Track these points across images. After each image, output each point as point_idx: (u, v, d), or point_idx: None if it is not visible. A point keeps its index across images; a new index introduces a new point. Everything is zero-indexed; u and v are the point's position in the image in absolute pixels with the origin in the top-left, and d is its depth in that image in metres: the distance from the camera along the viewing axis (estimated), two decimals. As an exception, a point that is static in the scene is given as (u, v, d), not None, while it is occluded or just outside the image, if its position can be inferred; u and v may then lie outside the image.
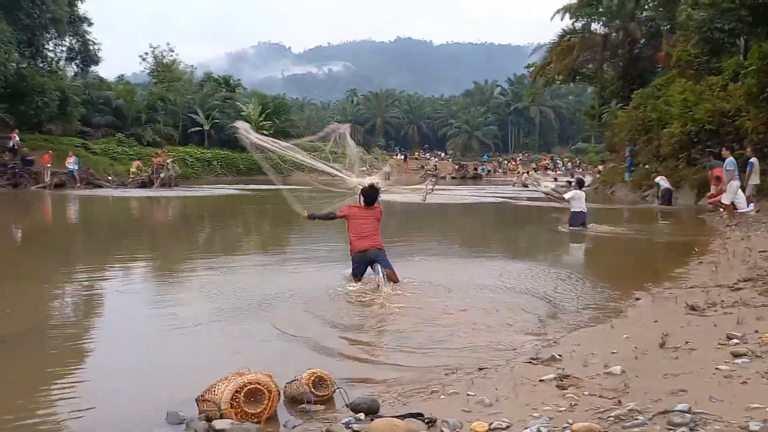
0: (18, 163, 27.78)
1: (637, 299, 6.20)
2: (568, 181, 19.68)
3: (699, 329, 4.69)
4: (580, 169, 61.22)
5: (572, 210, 12.74)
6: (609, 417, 3.13)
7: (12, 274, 7.74)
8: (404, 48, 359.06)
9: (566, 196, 12.91)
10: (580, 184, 13.56)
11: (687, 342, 4.31)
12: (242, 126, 7.32)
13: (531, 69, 43.97)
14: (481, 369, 4.05)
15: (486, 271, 8.00)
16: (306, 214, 7.58)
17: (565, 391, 3.56)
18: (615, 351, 4.30)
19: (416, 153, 72.24)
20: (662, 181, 19.94)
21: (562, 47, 35.28)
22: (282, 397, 3.48)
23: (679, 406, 3.09)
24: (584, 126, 59.57)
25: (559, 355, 4.23)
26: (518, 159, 70.45)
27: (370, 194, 7.58)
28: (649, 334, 4.58)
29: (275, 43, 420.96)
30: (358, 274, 7.19)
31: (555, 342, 4.69)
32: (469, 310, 5.81)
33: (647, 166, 23.85)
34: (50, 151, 29.35)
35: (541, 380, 3.75)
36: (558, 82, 44.57)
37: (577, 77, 39.22)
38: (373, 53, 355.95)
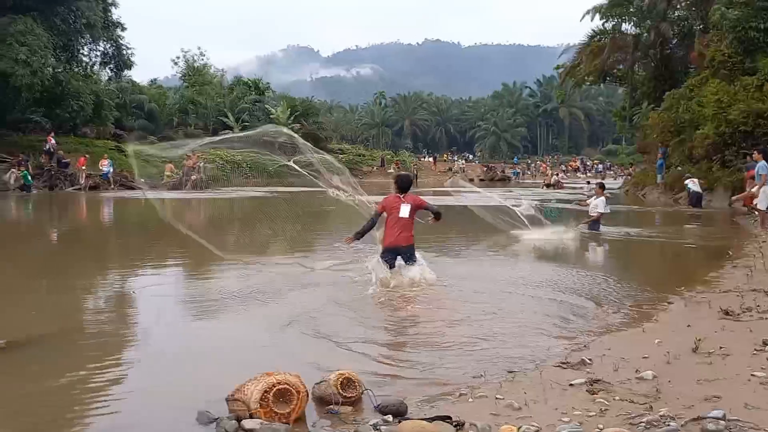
0: (54, 165, 28.48)
1: (670, 303, 6.10)
2: (589, 182, 19.55)
3: (734, 334, 4.59)
4: (611, 171, 60.50)
5: (592, 213, 13.08)
6: (640, 423, 3.08)
7: (46, 275, 7.91)
8: (432, 50, 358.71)
9: (599, 209, 13.06)
10: (602, 188, 13.55)
11: (721, 347, 4.22)
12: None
13: (560, 70, 43.56)
14: (509, 372, 4.02)
15: (514, 273, 7.94)
16: (351, 238, 7.60)
17: (595, 395, 3.52)
18: (646, 355, 4.23)
19: (444, 155, 72.02)
20: (692, 184, 19.61)
21: (592, 48, 34.87)
22: (310, 398, 3.49)
23: (713, 413, 3.03)
24: (615, 127, 58.87)
25: (589, 360, 4.18)
26: (548, 161, 69.48)
27: (404, 179, 7.62)
28: (681, 339, 4.50)
29: (304, 46, 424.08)
30: (387, 263, 7.25)
31: (585, 346, 4.63)
32: (498, 313, 5.77)
33: (679, 168, 23.46)
34: (85, 154, 29.97)
35: (570, 384, 3.71)
36: (588, 84, 44.08)
37: (608, 78, 38.71)
38: (401, 56, 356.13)
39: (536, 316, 5.67)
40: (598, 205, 13.12)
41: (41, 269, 8.36)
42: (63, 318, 5.69)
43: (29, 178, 25.89)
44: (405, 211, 7.27)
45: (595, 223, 12.98)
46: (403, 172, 7.76)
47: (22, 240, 12.03)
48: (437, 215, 7.56)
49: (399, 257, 7.31)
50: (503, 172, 55.42)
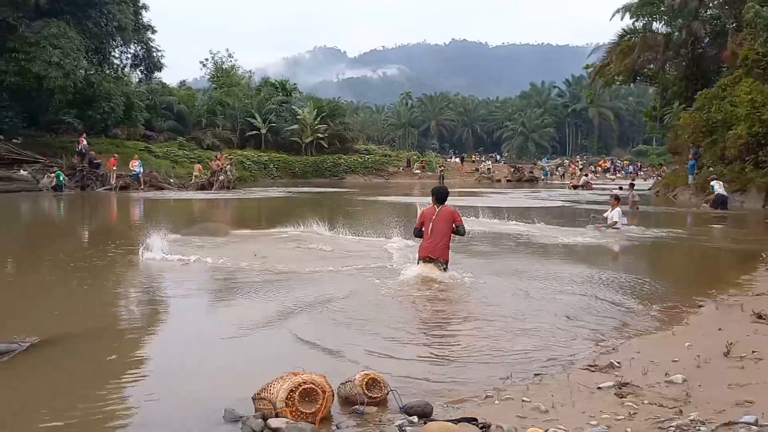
0: (86, 166, 29.04)
1: (700, 306, 6.00)
2: (621, 186, 19.51)
3: (767, 338, 4.50)
4: (642, 172, 59.60)
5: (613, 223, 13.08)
6: (670, 427, 3.04)
7: (77, 273, 8.06)
8: (459, 50, 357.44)
9: (616, 219, 13.09)
10: (617, 199, 13.42)
11: (754, 351, 4.14)
12: None
13: (589, 70, 43.06)
14: (536, 375, 3.99)
15: (542, 275, 7.87)
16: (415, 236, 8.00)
17: (623, 399, 3.47)
18: (676, 359, 4.17)
19: (472, 156, 71.69)
20: (718, 186, 19.31)
21: (622, 47, 34.40)
22: (336, 398, 3.51)
23: (745, 418, 2.97)
24: (645, 128, 58.01)
25: (618, 363, 4.13)
26: (579, 161, 68.24)
27: (440, 191, 7.70)
28: (712, 343, 4.42)
29: (331, 47, 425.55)
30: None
31: (613, 349, 4.58)
32: (525, 314, 5.73)
33: (711, 169, 23.05)
34: (115, 155, 30.50)
35: (599, 388, 3.67)
36: (618, 83, 43.48)
37: (638, 78, 38.15)
38: (427, 56, 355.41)
39: (564, 318, 5.62)
40: (613, 217, 13.10)
41: (73, 268, 8.52)
42: (93, 316, 5.79)
43: (62, 178, 26.54)
44: (439, 224, 7.50)
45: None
46: (439, 185, 8.02)
47: (55, 239, 12.27)
48: (461, 234, 7.74)
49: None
50: (531, 173, 54.89)
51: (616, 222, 12.99)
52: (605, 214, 13.39)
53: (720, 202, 18.83)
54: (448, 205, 7.83)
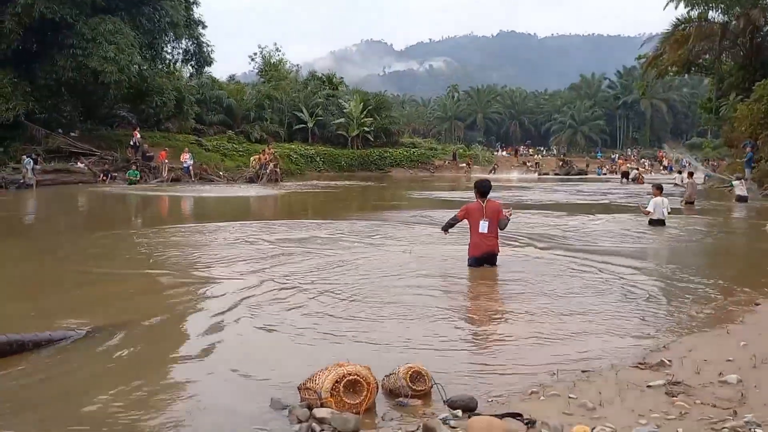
0: (139, 158, 29.90)
1: (757, 304, 5.80)
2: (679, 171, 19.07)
3: (828, 339, 4.32)
4: (696, 165, 57.66)
5: (650, 218, 12.73)
6: (723, 428, 2.95)
7: (123, 264, 8.30)
8: (507, 42, 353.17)
9: (649, 208, 12.89)
10: (659, 189, 13.02)
11: (814, 352, 3.98)
12: None
13: (642, 60, 41.98)
14: (584, 372, 3.92)
15: (590, 269, 7.74)
16: (444, 231, 8.29)
17: (674, 398, 3.39)
18: (731, 359, 4.04)
19: (520, 149, 70.76)
20: (739, 187, 19.81)
21: (676, 37, 33.40)
22: (380, 390, 3.52)
23: (805, 422, 2.86)
24: (699, 120, 56.19)
25: (669, 361, 4.03)
26: (632, 154, 66.04)
27: (484, 185, 7.72)
28: (770, 343, 4.27)
29: (377, 40, 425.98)
30: (473, 266, 7.63)
31: (664, 347, 4.47)
32: (573, 309, 5.63)
33: (737, 174, 22.52)
34: (166, 148, 31.27)
35: (648, 386, 3.59)
36: (671, 74, 42.29)
37: (693, 68, 37.03)
38: (474, 48, 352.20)
39: (613, 313, 5.51)
40: (652, 207, 12.78)
41: (127, 258, 8.77)
42: (140, 308, 5.95)
43: (137, 175, 28.02)
44: (485, 226, 7.61)
45: (655, 221, 12.56)
46: (483, 178, 8.15)
47: (109, 226, 12.64)
48: (502, 228, 7.86)
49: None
50: (587, 166, 53.73)
51: (649, 211, 12.75)
52: (648, 207, 13.02)
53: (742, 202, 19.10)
54: (492, 199, 7.83)
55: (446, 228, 8.17)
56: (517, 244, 9.89)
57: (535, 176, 46.46)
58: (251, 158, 33.77)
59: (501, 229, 7.79)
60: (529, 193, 25.79)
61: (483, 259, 7.60)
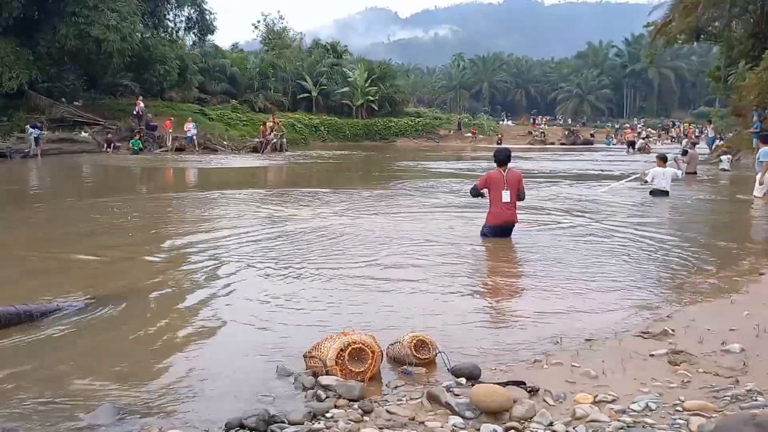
0: (143, 128, 29.78)
1: (761, 274, 5.80)
2: (684, 150, 19.11)
3: (832, 309, 4.33)
4: (703, 135, 57.13)
5: (653, 187, 12.68)
6: (725, 396, 2.98)
7: (134, 232, 8.33)
8: (514, 9, 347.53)
9: (648, 178, 12.93)
10: (663, 160, 12.93)
11: (818, 322, 3.99)
12: None
13: (650, 28, 41.31)
14: (587, 341, 3.95)
15: (593, 238, 7.75)
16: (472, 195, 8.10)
17: (677, 367, 3.42)
18: (734, 328, 4.06)
19: (532, 119, 70.18)
20: (725, 161, 20.62)
21: (685, 4, 32.79)
22: (384, 358, 3.56)
23: (806, 390, 2.88)
24: (708, 89, 55.50)
25: (672, 330, 4.05)
26: (639, 125, 65.18)
27: (502, 153, 7.69)
28: (773, 312, 4.28)
29: (382, 8, 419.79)
30: (487, 235, 7.63)
31: (668, 316, 4.48)
32: (576, 278, 5.65)
33: (724, 148, 22.52)
34: (171, 117, 31.13)
35: (651, 355, 3.62)
36: (680, 42, 41.63)
37: (701, 36, 36.41)
38: (480, 16, 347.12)
39: (616, 282, 5.52)
40: (651, 176, 12.76)
41: (128, 227, 8.81)
42: (146, 275, 5.99)
43: (140, 144, 27.95)
44: (507, 195, 7.53)
45: (653, 194, 12.50)
46: (501, 146, 8.12)
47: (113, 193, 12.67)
48: (521, 199, 7.78)
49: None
50: (592, 135, 53.28)
51: (647, 180, 12.84)
52: (647, 176, 12.95)
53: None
54: (513, 168, 7.80)
55: (474, 194, 7.94)
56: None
57: (539, 146, 46.21)
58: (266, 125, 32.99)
59: (520, 200, 7.73)
60: (531, 163, 25.69)
61: (501, 228, 7.56)
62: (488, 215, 7.69)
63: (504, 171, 7.61)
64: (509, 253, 7.07)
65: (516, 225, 7.74)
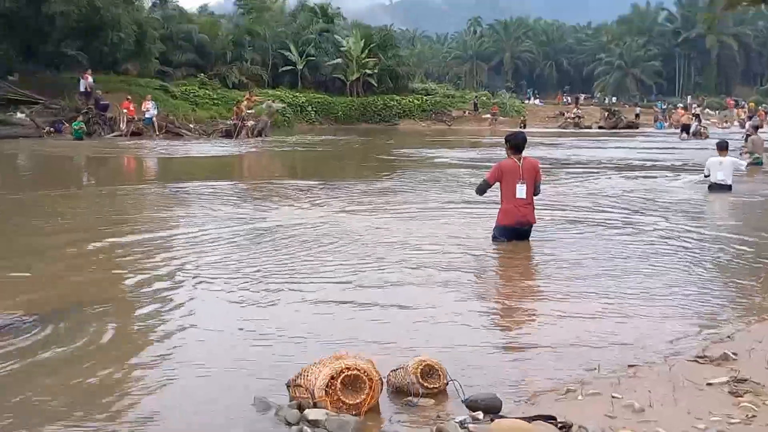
0: (92, 108, 29.48)
1: (842, 287, 5.81)
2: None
3: None
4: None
5: (711, 181, 12.70)
6: (798, 434, 2.98)
7: (86, 242, 8.34)
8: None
9: (705, 171, 12.99)
10: (723, 149, 12.90)
11: None
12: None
13: (708, -13, 41.43)
14: (630, 367, 3.95)
15: (635, 240, 7.78)
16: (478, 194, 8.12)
17: (740, 398, 3.42)
18: (809, 352, 4.06)
19: (559, 97, 70.48)
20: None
21: (752, -43, 32.88)
22: (385, 387, 3.56)
23: None
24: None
25: (734, 354, 4.05)
26: (695, 104, 64.94)
27: (517, 138, 7.64)
28: None
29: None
30: (500, 239, 7.58)
31: (728, 336, 4.49)
32: (619, 291, 5.66)
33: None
34: (128, 96, 30.95)
35: (708, 384, 3.62)
36: (744, 4, 41.69)
37: (771, -3, 36.48)
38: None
39: (667, 297, 5.53)
40: (707, 169, 12.79)
41: (59, 230, 8.82)
42: (88, 290, 6.00)
43: (79, 130, 27.32)
44: (523, 189, 7.45)
45: (715, 185, 12.52)
46: (516, 130, 8.02)
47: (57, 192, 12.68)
48: (537, 194, 7.74)
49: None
50: (638, 117, 53.27)
51: (707, 175, 12.82)
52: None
53: None
54: (529, 156, 7.78)
55: (481, 191, 7.96)
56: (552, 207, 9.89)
57: (572, 130, 46.23)
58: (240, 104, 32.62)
59: (535, 195, 7.70)
60: (562, 151, 25.73)
61: (515, 230, 7.52)
62: (499, 214, 7.63)
63: (519, 160, 7.54)
64: (532, 260, 7.07)
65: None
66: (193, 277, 6.14)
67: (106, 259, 7.06)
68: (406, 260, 6.81)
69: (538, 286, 6.10)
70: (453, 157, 22.40)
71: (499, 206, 7.67)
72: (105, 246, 7.60)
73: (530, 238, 7.68)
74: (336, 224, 8.84)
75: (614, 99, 78.43)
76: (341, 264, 6.67)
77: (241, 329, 4.77)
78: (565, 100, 70.79)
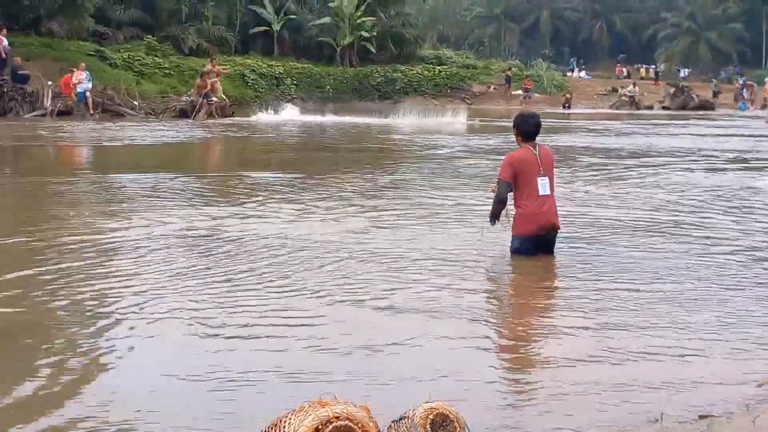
0: (6, 79, 29.34)
1: None
2: None
3: None
4: None
5: None
6: None
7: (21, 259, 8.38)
8: None
9: None
10: None
11: None
12: None
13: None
14: (702, 417, 3.96)
15: (703, 253, 7.86)
16: (491, 223, 7.87)
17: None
18: None
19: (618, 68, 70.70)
20: None
21: None
22: (385, 442, 3.57)
23: None
24: None
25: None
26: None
27: (528, 121, 7.65)
28: None
29: None
30: (524, 253, 7.55)
31: (828, 378, 4.51)
32: (680, 321, 5.69)
33: None
34: (73, 69, 30.43)
35: (802, 439, 3.63)
36: None
37: None
38: None
39: (744, 329, 5.56)
40: None
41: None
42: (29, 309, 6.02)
43: None
44: (546, 184, 7.47)
45: None
46: (528, 112, 7.98)
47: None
48: None
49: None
50: (715, 96, 53.38)
51: None
52: None
53: None
54: (542, 144, 7.83)
55: (495, 216, 7.75)
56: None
57: (628, 110, 46.33)
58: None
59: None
60: (617, 138, 25.80)
61: (540, 239, 7.53)
62: (517, 220, 7.58)
63: (535, 149, 7.56)
64: (568, 280, 7.05)
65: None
66: (125, 309, 6.16)
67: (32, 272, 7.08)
68: (412, 278, 6.85)
69: (578, 317, 6.05)
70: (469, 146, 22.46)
71: (514, 211, 7.65)
72: None
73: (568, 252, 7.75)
74: (331, 231, 8.89)
75: (684, 72, 78.59)
76: (335, 281, 6.70)
77: (193, 374, 4.78)
78: (622, 72, 70.90)
